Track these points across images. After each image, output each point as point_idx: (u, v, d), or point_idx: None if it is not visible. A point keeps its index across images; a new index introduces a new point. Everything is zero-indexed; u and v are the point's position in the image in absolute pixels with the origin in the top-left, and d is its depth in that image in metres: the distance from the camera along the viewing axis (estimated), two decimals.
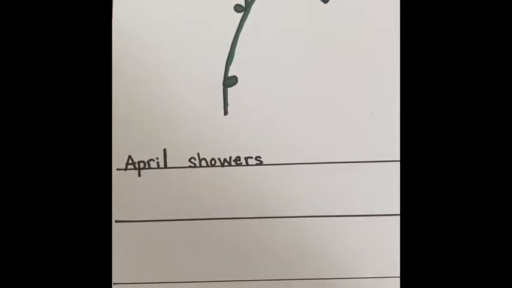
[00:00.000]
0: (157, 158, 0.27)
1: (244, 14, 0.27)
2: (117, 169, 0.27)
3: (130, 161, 0.27)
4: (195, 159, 0.27)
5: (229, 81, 0.27)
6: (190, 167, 0.27)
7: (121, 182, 0.27)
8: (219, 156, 0.27)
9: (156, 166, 0.27)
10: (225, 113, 0.27)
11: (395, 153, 0.27)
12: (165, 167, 0.27)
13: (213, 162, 0.27)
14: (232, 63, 0.27)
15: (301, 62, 0.27)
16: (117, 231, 0.27)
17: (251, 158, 0.27)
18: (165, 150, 0.27)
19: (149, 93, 0.27)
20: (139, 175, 0.27)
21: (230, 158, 0.27)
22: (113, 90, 0.26)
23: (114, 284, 0.27)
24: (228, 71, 0.27)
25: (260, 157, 0.27)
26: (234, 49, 0.27)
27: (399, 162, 0.26)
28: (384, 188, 0.27)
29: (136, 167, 0.27)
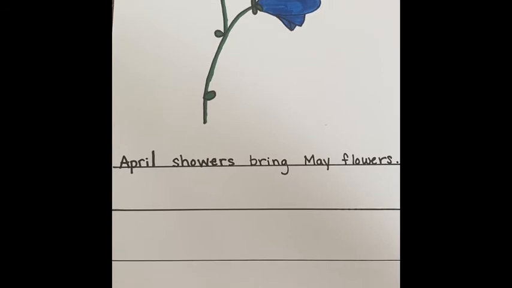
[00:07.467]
0: (146, 158, 0.32)
1: (222, 38, 0.32)
2: (114, 167, 0.32)
3: (124, 160, 0.32)
4: (178, 160, 0.32)
5: (208, 95, 0.32)
6: (174, 166, 0.32)
7: (116, 178, 0.32)
8: (198, 158, 0.32)
9: (145, 165, 0.32)
10: (205, 121, 0.32)
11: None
12: (153, 165, 0.32)
13: (193, 162, 0.32)
14: (212, 80, 0.32)
15: (272, 79, 0.32)
16: (115, 219, 0.32)
17: (225, 160, 0.32)
18: (153, 152, 0.32)
19: (142, 104, 0.32)
20: (131, 172, 0.32)
21: (207, 159, 0.32)
22: (112, 102, 0.32)
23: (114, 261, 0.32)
24: (208, 87, 0.32)
25: (232, 159, 0.32)
26: (214, 68, 0.32)
27: (399, 165, 0.30)
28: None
29: (129, 165, 0.32)
